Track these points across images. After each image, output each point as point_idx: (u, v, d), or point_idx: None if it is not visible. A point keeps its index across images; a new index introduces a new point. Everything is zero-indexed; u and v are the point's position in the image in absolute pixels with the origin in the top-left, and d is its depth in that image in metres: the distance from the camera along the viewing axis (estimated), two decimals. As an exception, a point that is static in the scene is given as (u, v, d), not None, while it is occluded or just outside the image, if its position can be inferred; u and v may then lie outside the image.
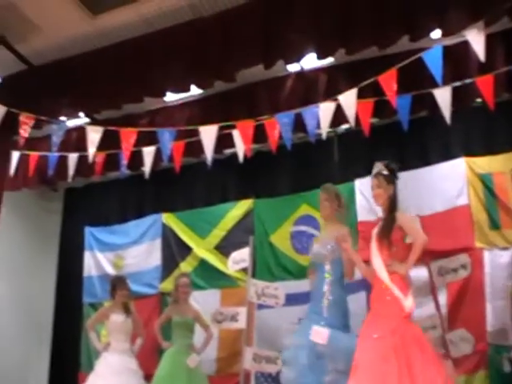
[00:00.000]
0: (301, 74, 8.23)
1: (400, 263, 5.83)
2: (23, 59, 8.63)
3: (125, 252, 10.82)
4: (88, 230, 11.21)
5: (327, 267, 6.79)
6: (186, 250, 10.33)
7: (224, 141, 8.02)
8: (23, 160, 8.87)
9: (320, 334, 6.36)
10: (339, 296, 6.72)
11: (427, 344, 5.64)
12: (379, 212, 8.39)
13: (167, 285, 10.07)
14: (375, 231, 6.17)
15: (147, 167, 8.40)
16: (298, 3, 7.01)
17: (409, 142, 8.92)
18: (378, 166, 6.18)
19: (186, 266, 10.19)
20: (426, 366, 5.37)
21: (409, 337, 5.51)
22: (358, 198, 8.79)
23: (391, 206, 6.09)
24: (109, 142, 8.33)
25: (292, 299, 8.58)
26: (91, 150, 8.20)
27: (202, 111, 8.66)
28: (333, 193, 7.17)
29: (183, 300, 8.89)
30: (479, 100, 7.31)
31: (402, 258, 5.88)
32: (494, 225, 8.36)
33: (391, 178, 6.13)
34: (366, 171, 8.64)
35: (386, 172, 6.12)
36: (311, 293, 6.94)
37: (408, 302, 5.66)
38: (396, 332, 5.51)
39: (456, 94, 7.01)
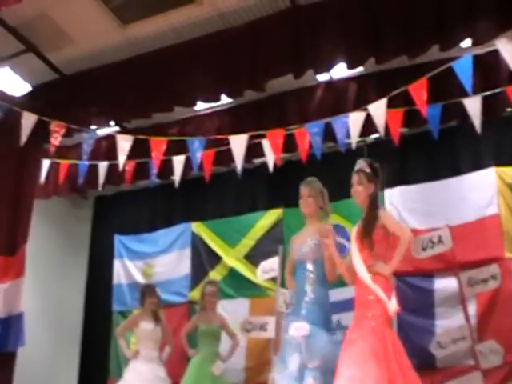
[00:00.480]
0: (330, 84, 8.23)
1: (383, 263, 5.50)
2: (54, 68, 8.70)
3: (154, 260, 10.86)
4: (117, 238, 11.27)
5: (310, 266, 6.30)
6: (215, 258, 10.35)
7: (254, 150, 8.06)
8: (54, 168, 8.98)
9: (300, 328, 5.92)
10: (321, 295, 6.26)
11: (404, 353, 5.32)
12: (409, 222, 8.47)
13: (196, 293, 10.05)
14: (355, 230, 5.86)
15: (177, 176, 8.46)
16: (327, 13, 7.04)
17: (439, 152, 8.87)
18: (361, 163, 5.88)
19: (215, 275, 10.20)
20: (406, 373, 5.13)
21: (389, 341, 5.24)
22: (388, 208, 8.63)
23: (371, 205, 5.75)
24: (139, 150, 8.40)
25: (321, 308, 8.59)
26: (121, 158, 8.28)
27: (231, 120, 8.70)
28: (317, 188, 6.62)
29: (210, 308, 8.90)
30: (510, 109, 7.28)
31: (384, 258, 5.57)
32: (524, 235, 8.28)
33: (373, 177, 5.80)
34: (395, 181, 8.66)
35: (367, 169, 5.80)
36: (294, 298, 6.46)
37: (392, 305, 5.33)
38: (375, 332, 5.26)
39: (486, 104, 6.98)
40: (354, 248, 5.72)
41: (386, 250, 5.59)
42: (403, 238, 5.47)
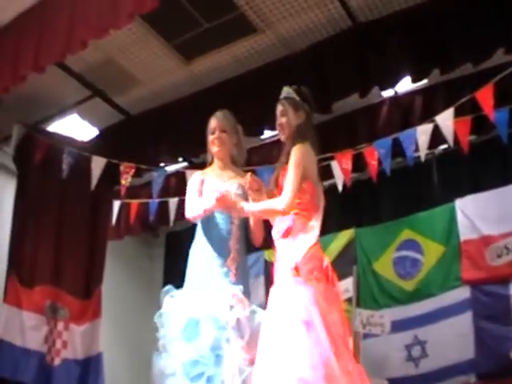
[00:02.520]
0: (396, 99, 8.27)
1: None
2: (121, 110, 8.95)
3: (228, 291, 10.89)
4: (191, 274, 11.26)
5: (236, 219, 5.02)
6: (289, 284, 10.32)
7: (323, 172, 8.07)
8: (124, 208, 9.09)
9: (242, 302, 4.73)
10: (245, 259, 5.15)
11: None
12: (483, 229, 8.43)
13: (271, 321, 10.08)
14: None
15: (247, 206, 8.53)
16: (389, 28, 7.13)
17: (510, 156, 8.74)
18: (285, 90, 4.85)
19: (290, 301, 10.19)
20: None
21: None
22: (460, 218, 8.62)
23: (298, 139, 4.63)
24: (208, 183, 8.50)
25: (398, 326, 8.63)
26: (192, 193, 8.38)
27: (298, 145, 8.71)
28: (232, 121, 5.40)
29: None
30: None
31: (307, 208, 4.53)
32: None
33: (300, 104, 4.77)
34: (467, 190, 8.66)
35: (293, 96, 4.78)
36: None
37: (298, 246, 4.32)
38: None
39: (555, 102, 6.95)
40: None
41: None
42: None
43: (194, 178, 5.31)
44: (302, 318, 4.05)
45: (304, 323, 4.01)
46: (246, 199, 4.88)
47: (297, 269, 4.29)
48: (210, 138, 5.29)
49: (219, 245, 4.97)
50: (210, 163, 5.42)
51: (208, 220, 5.06)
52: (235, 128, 5.35)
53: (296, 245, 4.37)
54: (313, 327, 4.01)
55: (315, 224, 4.54)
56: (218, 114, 5.37)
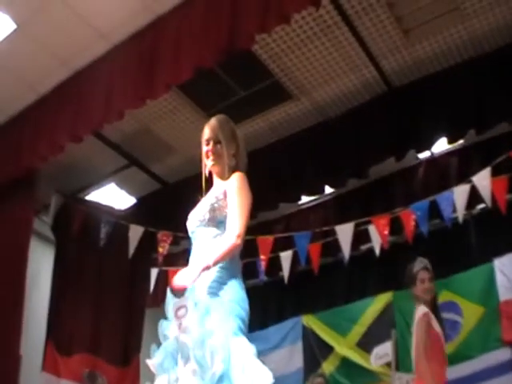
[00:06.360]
0: (432, 161, 8.29)
1: None
2: (157, 178, 9.03)
3: (266, 358, 10.70)
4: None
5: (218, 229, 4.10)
6: (327, 349, 10.18)
7: (360, 236, 8.10)
8: (162, 276, 9.09)
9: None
10: (237, 285, 4.04)
11: None
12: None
13: (308, 387, 10.01)
14: None
15: (285, 272, 8.58)
16: (424, 90, 7.22)
17: None
18: None
19: (328, 366, 10.06)
20: None
21: None
22: (499, 278, 8.46)
23: None
24: (245, 250, 8.48)
25: (438, 388, 8.49)
26: (228, 260, 8.40)
27: (336, 210, 8.79)
28: (229, 130, 4.33)
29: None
30: None
31: None
32: None
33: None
34: (505, 249, 8.59)
35: None
36: None
37: None
38: None
39: None
40: None
41: None
42: None
43: None
44: None
45: None
46: (217, 209, 4.05)
47: None
48: (204, 149, 4.31)
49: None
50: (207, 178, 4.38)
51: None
52: (233, 136, 4.33)
53: None
54: None
55: None
56: (212, 121, 4.43)
